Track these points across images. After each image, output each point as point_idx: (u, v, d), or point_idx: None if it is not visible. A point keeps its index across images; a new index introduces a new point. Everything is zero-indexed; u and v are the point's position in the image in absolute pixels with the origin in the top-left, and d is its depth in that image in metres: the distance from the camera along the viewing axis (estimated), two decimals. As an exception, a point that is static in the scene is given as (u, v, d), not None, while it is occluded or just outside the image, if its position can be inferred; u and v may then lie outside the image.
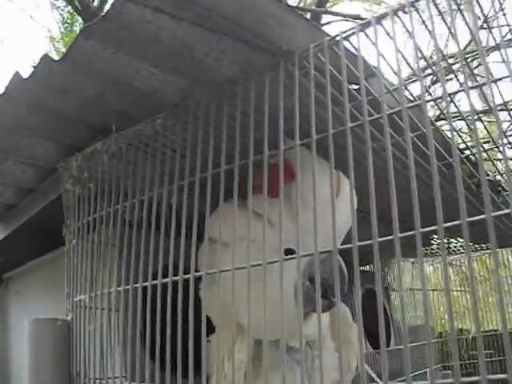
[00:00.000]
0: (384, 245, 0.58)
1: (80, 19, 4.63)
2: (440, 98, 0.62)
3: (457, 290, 2.58)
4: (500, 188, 1.23)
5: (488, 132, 1.09)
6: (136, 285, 0.85)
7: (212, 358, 0.87)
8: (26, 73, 0.88)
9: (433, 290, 2.26)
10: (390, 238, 0.59)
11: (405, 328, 0.84)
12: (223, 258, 0.74)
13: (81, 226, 1.01)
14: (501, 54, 0.61)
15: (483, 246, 2.09)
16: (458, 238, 2.02)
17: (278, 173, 0.71)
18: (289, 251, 0.78)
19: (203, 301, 0.84)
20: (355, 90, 0.79)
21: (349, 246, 0.62)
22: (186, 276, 0.77)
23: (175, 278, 0.79)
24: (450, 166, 0.98)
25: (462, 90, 0.61)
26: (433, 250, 2.16)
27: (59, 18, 5.71)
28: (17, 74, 0.88)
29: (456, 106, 0.85)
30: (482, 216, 0.52)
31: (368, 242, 0.60)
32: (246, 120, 0.78)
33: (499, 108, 1.01)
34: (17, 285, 1.75)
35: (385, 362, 0.61)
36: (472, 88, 0.60)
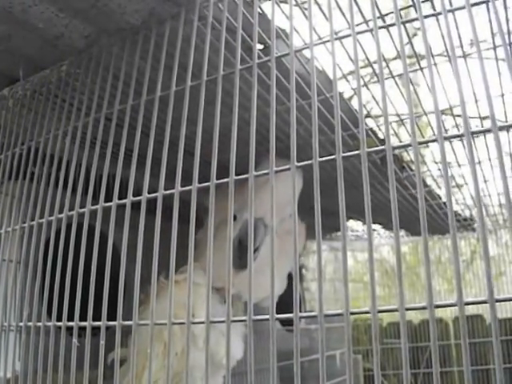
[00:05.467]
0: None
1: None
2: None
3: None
4: (405, 165, 1.25)
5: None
6: (32, 222, 0.82)
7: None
8: None
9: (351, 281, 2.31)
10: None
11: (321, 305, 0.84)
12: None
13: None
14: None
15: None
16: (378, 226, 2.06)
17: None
18: (235, 217, 1.06)
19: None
20: (261, 50, 0.81)
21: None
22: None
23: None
24: (356, 137, 1.00)
25: (370, 30, 0.60)
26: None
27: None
28: None
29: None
30: (332, 156, 0.53)
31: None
32: (144, 69, 0.77)
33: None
34: None
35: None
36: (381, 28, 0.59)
